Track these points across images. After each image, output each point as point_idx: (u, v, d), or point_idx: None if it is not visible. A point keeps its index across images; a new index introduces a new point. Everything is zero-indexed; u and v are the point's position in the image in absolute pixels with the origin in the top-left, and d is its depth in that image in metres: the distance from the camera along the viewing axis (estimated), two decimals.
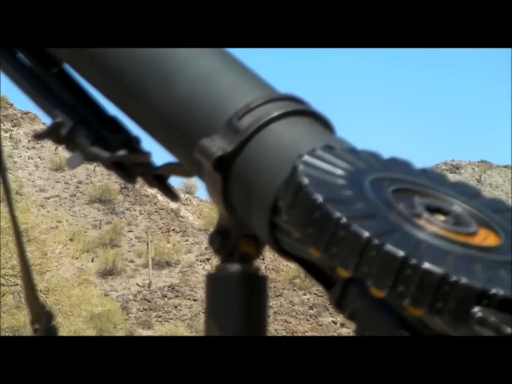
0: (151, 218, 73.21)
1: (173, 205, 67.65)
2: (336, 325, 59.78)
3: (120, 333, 56.23)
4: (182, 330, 56.52)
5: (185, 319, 59.86)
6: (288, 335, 58.78)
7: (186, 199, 72.31)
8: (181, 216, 73.00)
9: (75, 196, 74.39)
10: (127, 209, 73.52)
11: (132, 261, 69.86)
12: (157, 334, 58.07)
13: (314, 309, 61.96)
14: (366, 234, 1.19)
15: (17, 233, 1.78)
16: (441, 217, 1.27)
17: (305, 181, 1.25)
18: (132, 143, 1.57)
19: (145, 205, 72.69)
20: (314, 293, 58.05)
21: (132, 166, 1.57)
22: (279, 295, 60.58)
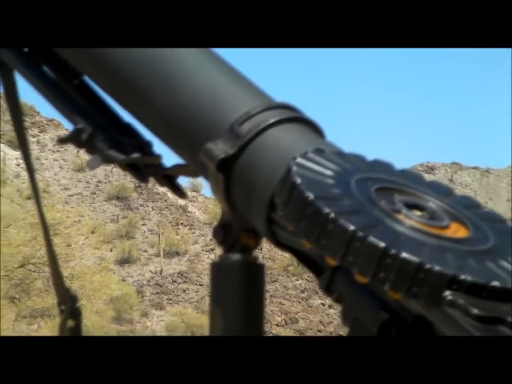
0: (162, 213, 73.34)
1: (181, 201, 67.67)
2: (324, 306, 59.67)
3: (136, 314, 56.38)
4: (189, 311, 56.57)
5: (193, 302, 59.86)
6: (282, 315, 58.84)
7: (193, 196, 72.42)
8: (188, 212, 73.06)
9: (95, 193, 74.44)
10: (140, 205, 73.66)
11: (145, 251, 69.99)
12: (168, 314, 58.14)
13: (306, 293, 62.02)
14: (352, 227, 1.19)
15: (45, 227, 1.78)
16: (418, 213, 1.27)
17: (298, 180, 1.25)
18: (145, 147, 1.57)
19: (156, 201, 72.81)
20: (306, 279, 58.05)
21: (145, 167, 1.57)
22: (275, 281, 60.52)
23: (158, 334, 55.73)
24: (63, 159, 74.68)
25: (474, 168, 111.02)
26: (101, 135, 1.55)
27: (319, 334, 58.44)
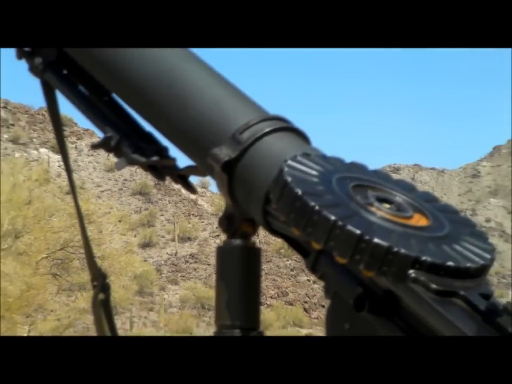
0: (176, 206, 73.62)
1: (192, 196, 68.15)
2: (310, 282, 59.91)
3: (155, 288, 56.57)
4: (199, 286, 56.83)
5: (202, 278, 60.05)
6: (275, 289, 58.92)
7: (202, 192, 72.81)
8: (198, 204, 73.27)
9: (122, 189, 74.62)
10: (159, 199, 74.00)
11: (163, 237, 70.33)
12: (181, 288, 58.26)
13: (294, 271, 62.30)
14: (333, 218, 1.19)
15: (81, 217, 1.78)
16: (387, 205, 1.28)
17: (289, 179, 1.25)
18: (162, 151, 1.56)
19: (172, 196, 73.08)
20: (295, 260, 58.24)
21: (162, 168, 1.57)
22: (269, 261, 60.72)
23: (174, 304, 55.75)
24: (96, 162, 74.92)
25: (431, 168, 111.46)
26: (126, 142, 1.55)
27: (305, 305, 58.48)
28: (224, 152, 1.40)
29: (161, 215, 72.81)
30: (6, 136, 73.20)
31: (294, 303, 59.23)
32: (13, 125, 75.30)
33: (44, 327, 14.54)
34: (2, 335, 14.08)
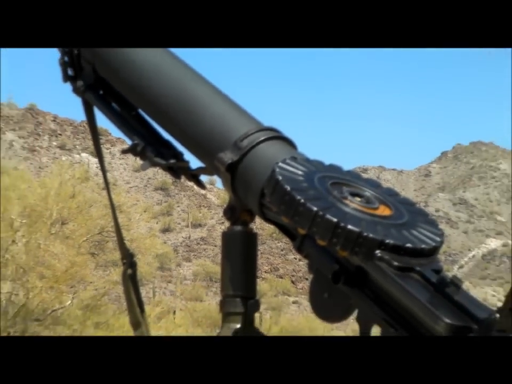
0: (190, 199, 73.79)
1: (202, 191, 68.33)
2: (296, 260, 59.82)
3: (173, 264, 56.78)
4: (208, 263, 56.92)
5: (210, 256, 60.10)
6: (268, 265, 58.94)
7: (210, 187, 72.87)
8: (207, 198, 73.38)
9: (146, 186, 74.65)
10: (176, 194, 74.13)
11: (179, 223, 70.49)
12: (193, 265, 58.41)
13: (284, 251, 62.33)
14: (315, 209, 1.20)
15: (113, 208, 1.78)
16: (358, 199, 1.28)
17: (279, 178, 1.25)
18: (178, 156, 1.57)
19: (186, 191, 73.18)
20: (284, 242, 58.30)
21: (178, 169, 1.57)
22: (264, 243, 60.68)
23: (188, 277, 55.83)
24: (126, 164, 74.97)
25: (393, 169, 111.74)
26: (150, 148, 1.56)
27: (292, 278, 58.56)
28: (228, 156, 1.40)
29: (178, 206, 72.94)
30: (54, 143, 74.01)
31: (284, 277, 59.35)
32: (60, 134, 75.79)
33: (85, 295, 14.54)
34: (51, 302, 14.03)
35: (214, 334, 1.45)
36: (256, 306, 1.45)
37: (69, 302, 13.96)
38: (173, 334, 13.48)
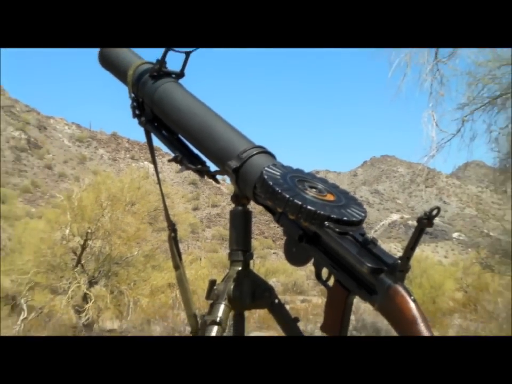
0: (210, 190, 73.69)
1: (217, 185, 68.49)
2: (276, 227, 59.76)
3: (200, 230, 57.17)
4: (221, 229, 56.99)
5: (222, 225, 60.08)
6: (258, 231, 58.85)
7: (222, 183, 73.05)
8: (221, 189, 73.26)
9: (183, 181, 74.39)
10: (201, 187, 74.00)
11: (203, 205, 70.66)
12: (212, 230, 58.54)
13: (268, 222, 62.47)
14: (287, 196, 1.19)
15: (162, 195, 1.77)
16: (314, 190, 1.27)
17: (266, 177, 1.25)
18: (203, 163, 1.55)
19: (208, 185, 73.05)
20: (268, 216, 58.07)
21: (202, 171, 1.55)
22: (255, 217, 60.06)
23: (208, 238, 55.85)
24: (171, 168, 74.84)
25: (334, 171, 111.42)
26: (185, 158, 1.54)
27: (273, 238, 58.53)
28: (233, 163, 1.38)
29: (202, 194, 72.87)
30: (128, 155, 74.26)
31: (267, 237, 59.31)
32: (131, 150, 75.94)
33: (145, 248, 14.51)
34: (125, 253, 13.95)
35: (225, 272, 1.42)
36: (251, 256, 1.43)
37: (136, 252, 13.93)
38: (199, 273, 13.38)
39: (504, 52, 4.07)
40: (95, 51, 1.69)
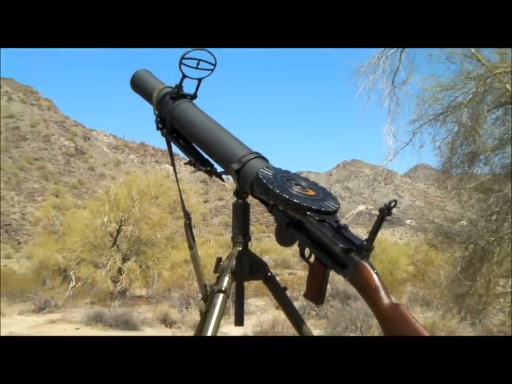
0: (217, 187, 73.38)
1: (223, 183, 68.29)
2: (268, 216, 59.67)
3: (209, 217, 56.66)
4: (226, 217, 56.78)
5: (227, 214, 59.98)
6: (254, 219, 58.72)
7: (227, 181, 72.69)
8: (225, 186, 72.98)
9: (196, 180, 74.11)
10: (210, 184, 73.74)
11: (212, 198, 70.55)
12: (219, 218, 58.20)
13: (262, 212, 62.35)
14: (278, 192, 1.17)
15: (180, 190, 1.74)
16: (299, 187, 1.24)
17: (260, 176, 1.23)
18: (211, 166, 1.52)
19: (215, 183, 72.87)
20: (262, 207, 58.09)
21: (211, 172, 1.52)
22: (252, 208, 60.21)
23: (216, 224, 55.62)
24: (186, 169, 74.70)
25: (314, 172, 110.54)
26: (197, 162, 1.52)
27: (266, 224, 58.50)
28: (235, 166, 1.35)
29: (211, 190, 72.66)
30: (153, 160, 74.07)
31: (262, 224, 59.14)
32: (155, 155, 75.81)
33: (166, 232, 14.43)
34: (151, 236, 13.87)
35: (229, 251, 1.40)
36: (249, 238, 1.42)
37: (159, 235, 13.86)
38: (209, 252, 13.27)
39: (444, 80, 4.28)
40: (129, 76, 1.66)
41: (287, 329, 7.53)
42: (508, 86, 3.96)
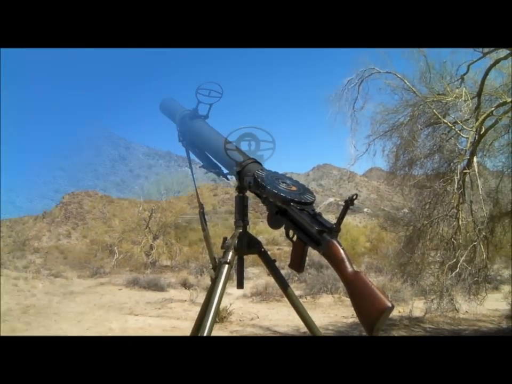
0: (223, 184, 72.58)
1: (227, 181, 67.06)
2: (262, 206, 58.80)
3: (218, 207, 54.65)
4: (230, 207, 54.95)
5: (231, 204, 59.24)
6: (251, 209, 57.75)
7: (230, 180, 71.76)
8: (230, 183, 72.44)
9: (207, 178, 73.60)
10: (218, 182, 73.02)
11: (220, 192, 69.06)
12: (225, 208, 56.17)
13: (257, 203, 61.74)
14: (269, 187, 1.15)
15: (196, 188, 1.70)
16: (284, 184, 1.22)
17: (256, 176, 1.21)
18: (219, 168, 1.50)
19: (224, 181, 72.15)
20: (257, 200, 57.54)
21: (219, 173, 1.50)
22: (250, 200, 59.71)
23: (225, 212, 54.63)
24: (200, 171, 73.97)
25: (296, 173, 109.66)
26: (209, 166, 1.50)
27: (260, 212, 57.86)
28: (237, 168, 1.33)
29: (219, 186, 72.35)
30: (176, 164, 72.14)
31: (257, 212, 58.87)
32: (177, 160, 73.82)
33: (185, 218, 14.43)
34: (173, 220, 13.73)
35: (232, 232, 1.35)
36: (247, 222, 1.40)
37: (180, 220, 13.87)
38: (217, 232, 13.17)
39: (390, 106, 4.59)
40: (158, 102, 1.63)
41: (276, 290, 7.60)
42: (434, 111, 4.22)
